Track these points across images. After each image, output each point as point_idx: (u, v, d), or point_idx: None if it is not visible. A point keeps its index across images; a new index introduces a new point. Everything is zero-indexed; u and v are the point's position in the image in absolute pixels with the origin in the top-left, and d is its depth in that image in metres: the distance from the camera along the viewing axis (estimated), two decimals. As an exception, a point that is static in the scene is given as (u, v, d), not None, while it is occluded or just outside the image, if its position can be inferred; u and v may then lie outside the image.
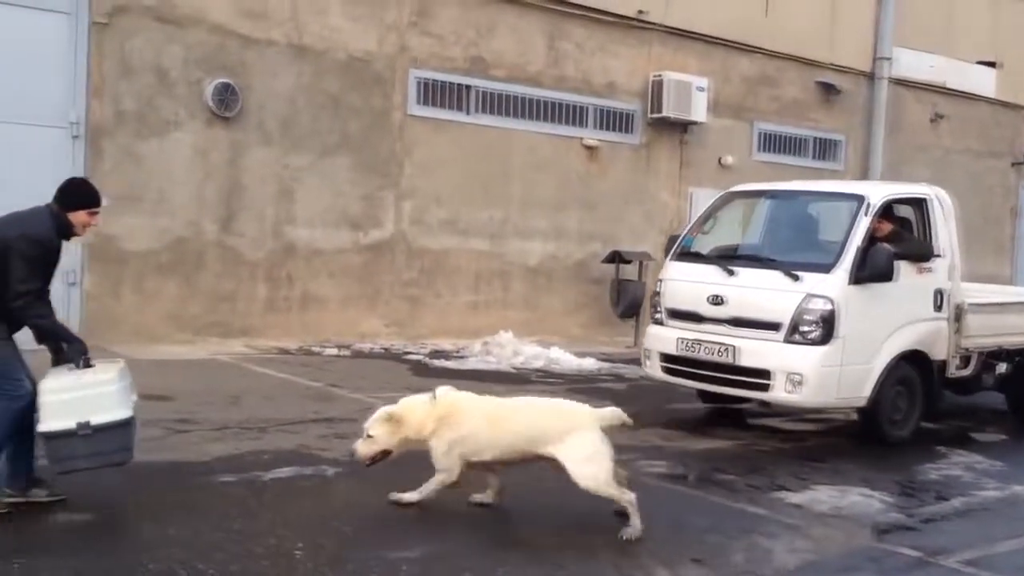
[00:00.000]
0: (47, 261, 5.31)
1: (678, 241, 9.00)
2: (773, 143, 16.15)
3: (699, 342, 8.13)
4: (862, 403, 7.88)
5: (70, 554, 4.72)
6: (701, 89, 14.57)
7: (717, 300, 8.08)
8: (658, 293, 8.75)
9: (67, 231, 5.45)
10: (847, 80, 16.84)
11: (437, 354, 11.85)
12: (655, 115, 14.41)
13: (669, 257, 8.94)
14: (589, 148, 14.07)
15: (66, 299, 10.33)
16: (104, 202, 10.40)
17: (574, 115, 13.95)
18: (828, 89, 16.60)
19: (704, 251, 8.75)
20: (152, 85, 10.74)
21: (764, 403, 8.60)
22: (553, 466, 5.47)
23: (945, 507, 6.51)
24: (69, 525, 5.15)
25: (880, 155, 17.23)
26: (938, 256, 8.34)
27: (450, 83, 12.84)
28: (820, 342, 7.58)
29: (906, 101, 17.80)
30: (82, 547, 4.82)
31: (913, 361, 8.16)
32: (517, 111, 13.43)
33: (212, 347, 10.98)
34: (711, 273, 8.31)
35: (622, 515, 5.41)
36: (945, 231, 8.44)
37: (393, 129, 12.46)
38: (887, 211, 8.26)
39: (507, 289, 13.55)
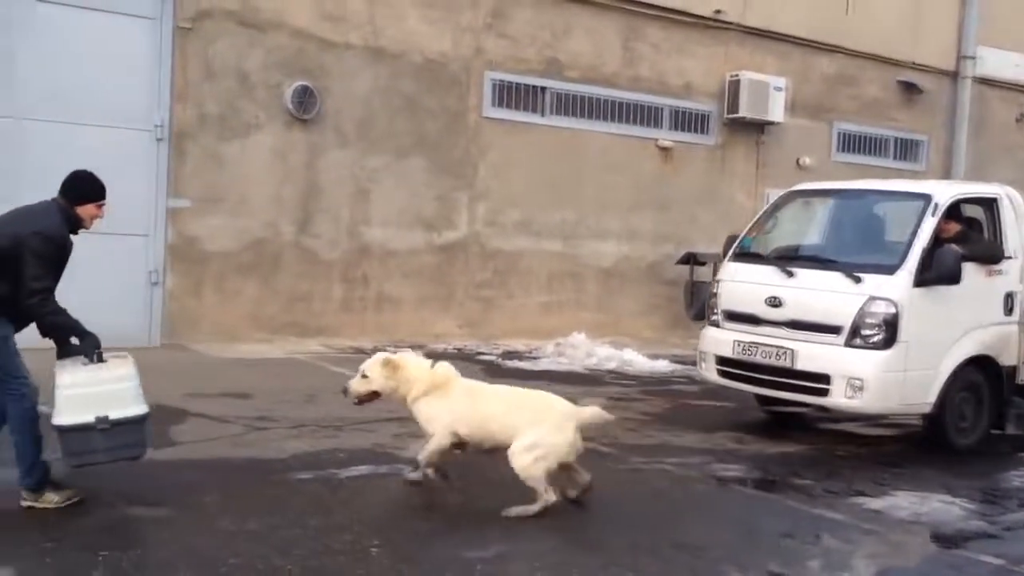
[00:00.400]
0: (60, 257, 5.33)
1: (736, 241, 8.77)
2: (853, 143, 15.88)
3: (756, 345, 7.93)
4: (927, 409, 7.62)
5: (152, 548, 4.85)
6: (779, 89, 14.40)
7: (775, 302, 7.86)
8: (715, 294, 8.56)
9: (76, 225, 5.48)
10: (929, 79, 16.49)
11: (510, 355, 11.89)
12: (731, 115, 14.29)
13: (727, 258, 8.71)
14: (664, 149, 13.99)
15: (149, 298, 10.68)
16: (185, 203, 10.73)
17: (649, 116, 13.90)
18: (910, 88, 16.28)
19: (764, 252, 8.53)
20: (233, 88, 10.97)
21: (823, 409, 8.30)
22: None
23: (1031, 516, 6.34)
24: (149, 519, 5.27)
25: (963, 155, 16.85)
26: (1009, 258, 8.04)
27: (525, 84, 12.89)
28: (882, 346, 7.35)
29: (990, 101, 17.36)
30: (165, 540, 4.94)
31: (981, 367, 7.88)
32: (591, 112, 13.42)
33: (289, 346, 11.17)
34: (769, 274, 8.09)
35: (574, 502, 5.73)
36: (1016, 232, 8.14)
37: (468, 131, 12.54)
38: (955, 211, 8.02)
39: (580, 290, 13.55)
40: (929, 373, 7.52)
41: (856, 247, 8.23)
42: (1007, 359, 8.05)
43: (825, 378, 7.47)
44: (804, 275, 7.87)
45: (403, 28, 11.96)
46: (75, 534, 4.92)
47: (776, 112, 14.45)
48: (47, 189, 9.68)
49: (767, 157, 14.85)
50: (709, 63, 14.24)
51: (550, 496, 5.50)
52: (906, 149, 16.57)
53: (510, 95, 12.80)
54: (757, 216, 9.15)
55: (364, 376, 5.81)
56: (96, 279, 10.11)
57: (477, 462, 5.98)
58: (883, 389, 7.35)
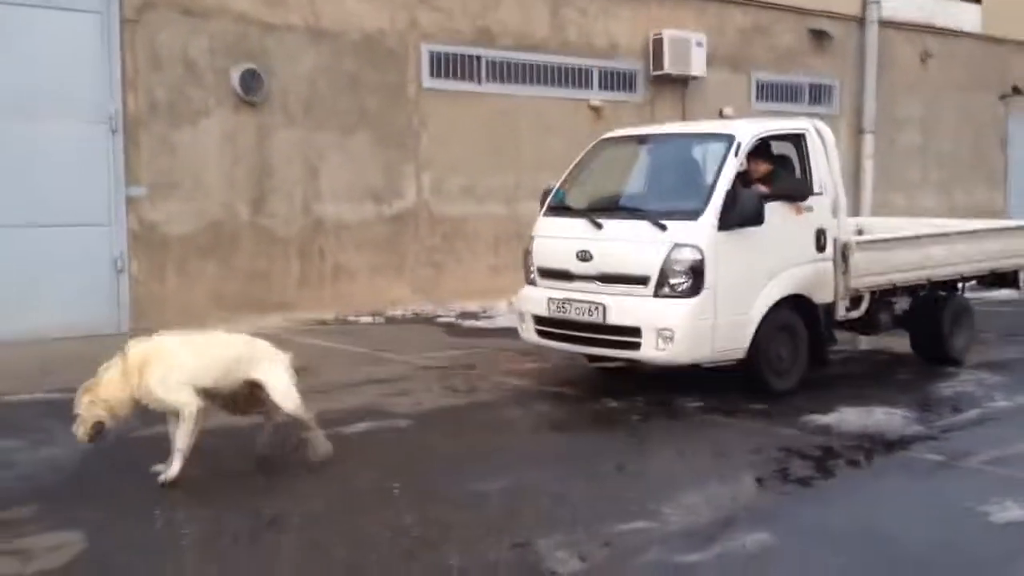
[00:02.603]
0: None
1: (550, 194, 8.45)
2: (770, 92, 16.65)
3: (569, 301, 7.66)
4: (741, 355, 7.40)
5: (192, 509, 5.33)
6: (699, 44, 15.06)
7: (585, 255, 7.59)
8: (529, 251, 8.27)
9: None
10: (838, 26, 17.32)
11: (466, 315, 12.46)
12: (656, 72, 14.91)
13: (541, 212, 8.42)
14: (595, 108, 14.56)
15: (115, 286, 10.94)
16: (142, 191, 11.00)
17: (579, 78, 14.45)
18: (820, 36, 17.09)
19: (579, 204, 8.21)
20: (181, 76, 11.21)
21: (634, 362, 7.91)
22: (256, 396, 5.87)
23: (961, 418, 7.15)
24: (183, 483, 5.72)
25: (873, 97, 17.73)
26: (818, 194, 7.85)
27: (460, 55, 13.33)
28: (689, 294, 7.13)
29: (895, 43, 18.28)
30: (202, 500, 5.42)
31: (796, 306, 7.73)
32: (525, 78, 13.91)
33: (253, 322, 11.44)
34: (579, 227, 7.79)
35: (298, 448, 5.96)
36: (826, 167, 7.97)
37: (409, 103, 12.96)
38: (764, 150, 7.85)
39: (525, 250, 14.08)
40: (740, 318, 7.33)
41: (663, 194, 7.95)
42: (822, 296, 7.90)
43: (636, 331, 7.25)
44: (612, 226, 7.61)
45: (341, 7, 12.30)
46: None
47: (698, 67, 15.10)
48: (6, 185, 10.04)
49: (692, 110, 15.52)
50: (633, 24, 14.82)
51: (310, 413, 5.98)
52: (820, 94, 17.41)
53: (447, 66, 13.22)
54: (570, 167, 8.69)
55: (79, 415, 5.42)
56: (62, 270, 10.46)
57: (469, 411, 6.56)
58: (693, 338, 7.14)
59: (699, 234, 7.19)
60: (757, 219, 7.28)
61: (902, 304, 8.98)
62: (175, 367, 5.48)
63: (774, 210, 7.47)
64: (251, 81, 11.57)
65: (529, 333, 8.20)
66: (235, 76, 11.48)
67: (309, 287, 12.34)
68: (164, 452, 5.62)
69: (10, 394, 7.85)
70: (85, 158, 10.59)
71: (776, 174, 7.86)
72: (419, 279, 13.22)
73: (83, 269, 10.62)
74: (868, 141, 17.73)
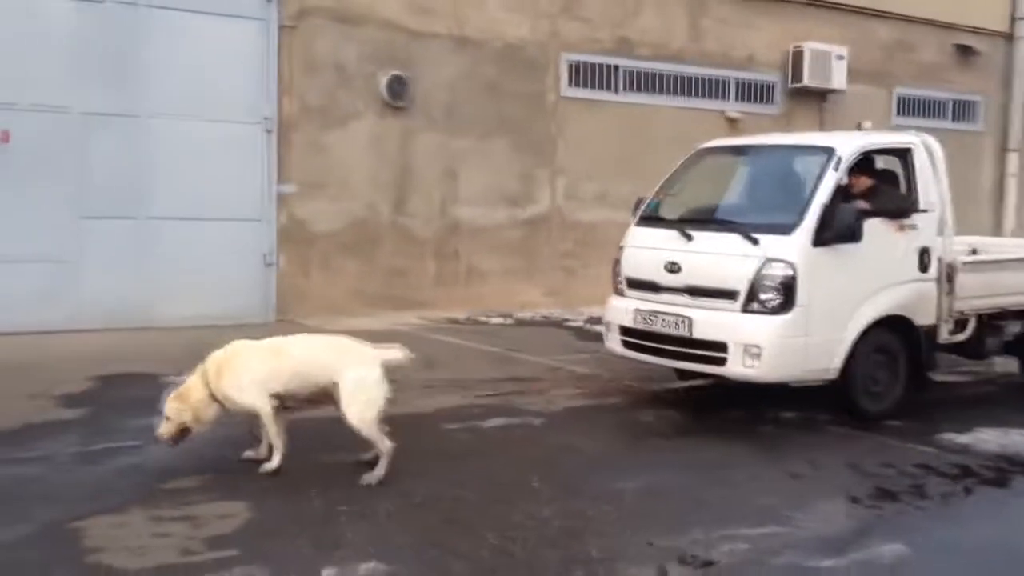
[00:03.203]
0: None
1: (643, 204, 8.27)
2: (912, 107, 16.38)
3: (656, 313, 7.49)
4: (832, 375, 7.13)
5: (347, 485, 5.66)
6: (840, 57, 14.94)
7: (673, 267, 7.43)
8: (618, 261, 8.11)
9: None
10: (984, 42, 16.91)
11: (594, 320, 12.61)
12: (795, 85, 14.85)
13: (634, 222, 8.23)
14: (731, 120, 14.59)
15: (263, 278, 11.53)
16: (293, 189, 11.57)
17: (716, 88, 14.51)
18: (965, 51, 16.71)
19: (670, 214, 8.03)
20: (333, 80, 11.76)
21: (722, 379, 7.60)
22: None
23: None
24: (336, 466, 6.08)
25: (1020, 114, 17.26)
26: (923, 211, 7.56)
27: (598, 64, 13.55)
28: (780, 311, 6.91)
29: (1045, 59, 17.71)
30: (352, 482, 5.75)
31: (894, 328, 7.44)
32: (661, 87, 14.06)
33: (390, 319, 11.94)
34: (669, 238, 7.63)
35: (368, 464, 5.71)
36: (934, 183, 7.67)
37: (547, 110, 13.25)
38: (866, 164, 7.61)
39: (655, 258, 14.20)
40: (833, 338, 7.08)
41: (758, 207, 7.76)
42: (923, 318, 7.58)
43: (722, 346, 7.04)
44: (702, 238, 7.45)
45: (484, 16, 12.67)
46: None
47: (838, 80, 14.99)
48: (172, 182, 10.71)
49: (830, 124, 15.37)
50: (772, 35, 14.80)
51: (388, 443, 5.64)
52: (963, 110, 17.02)
53: (585, 74, 13.48)
54: (665, 177, 8.54)
55: (166, 417, 5.67)
56: (216, 262, 11.08)
57: (599, 413, 6.74)
58: (781, 356, 6.92)
59: (792, 249, 6.97)
60: (854, 235, 7.05)
61: (1013, 328, 8.45)
62: (252, 370, 5.68)
63: (874, 227, 7.22)
64: (397, 86, 12.04)
65: (615, 344, 8.03)
66: (383, 81, 11.97)
67: (444, 286, 12.73)
68: (311, 437, 5.99)
69: (174, 375, 8.38)
70: (241, 156, 11.22)
71: (879, 190, 7.60)
72: (550, 283, 13.48)
73: (236, 261, 11.24)
74: (1013, 159, 17.26)
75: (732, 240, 7.20)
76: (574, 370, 9.31)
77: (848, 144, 7.50)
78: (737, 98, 14.71)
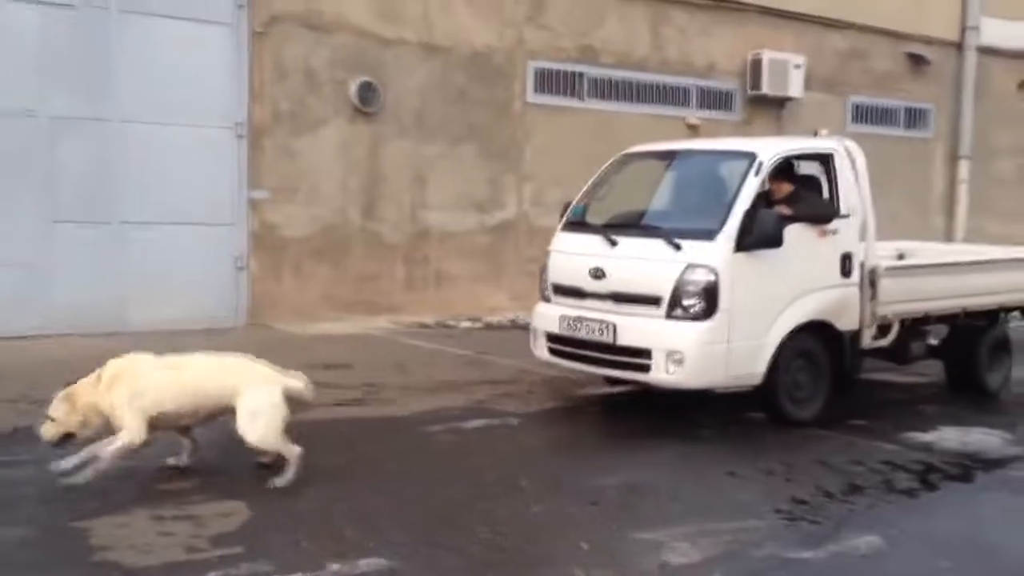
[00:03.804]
0: None
1: (569, 209, 8.27)
2: (865, 115, 16.80)
3: (581, 320, 7.47)
4: (756, 381, 7.15)
5: (340, 489, 5.80)
6: (797, 66, 15.29)
7: (598, 273, 7.39)
8: (544, 267, 8.15)
9: None
10: (935, 51, 17.38)
11: (562, 324, 12.84)
12: (753, 92, 15.19)
13: (559, 227, 8.23)
14: (692, 126, 14.87)
15: (235, 282, 11.59)
16: (264, 194, 11.63)
17: (677, 96, 14.79)
18: (917, 60, 17.17)
19: (596, 220, 8.00)
20: (303, 86, 11.84)
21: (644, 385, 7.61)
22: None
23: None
24: (329, 468, 6.21)
25: (969, 122, 17.76)
26: (845, 217, 7.56)
27: (564, 71, 13.78)
28: (702, 316, 6.89)
29: (993, 69, 18.25)
30: (349, 484, 5.89)
31: (818, 333, 7.46)
32: (625, 95, 14.31)
33: (361, 323, 12.06)
34: (594, 244, 7.58)
35: (265, 466, 5.70)
36: (855, 189, 7.67)
37: (514, 117, 13.45)
38: (787, 170, 7.59)
39: (619, 262, 14.45)
40: (756, 343, 7.08)
41: (681, 212, 7.76)
42: (846, 323, 7.61)
43: (646, 353, 7.03)
44: (627, 244, 7.41)
45: (452, 23, 12.83)
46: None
47: (795, 88, 15.34)
48: (143, 186, 10.74)
49: (788, 131, 15.72)
50: (731, 43, 15.13)
51: (294, 448, 5.61)
52: (915, 118, 17.48)
53: (551, 82, 13.69)
54: (589, 182, 8.51)
55: (50, 419, 5.48)
56: (187, 266, 11.13)
57: (575, 414, 6.94)
58: (704, 362, 6.91)
59: (714, 255, 6.94)
60: (776, 241, 7.00)
61: (938, 333, 8.61)
62: (145, 391, 5.46)
63: (796, 232, 7.19)
64: (367, 93, 12.15)
65: (541, 351, 8.01)
66: (352, 88, 12.08)
67: (413, 291, 12.87)
68: (319, 439, 6.12)
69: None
70: (213, 161, 11.27)
71: (800, 195, 7.56)
72: (517, 288, 13.63)
73: (207, 266, 11.29)
74: (963, 167, 17.76)
75: (656, 246, 7.19)
76: (545, 372, 9.48)
77: (769, 149, 7.47)
78: (698, 105, 15.01)
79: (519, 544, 4.92)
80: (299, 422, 6.29)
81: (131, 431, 5.41)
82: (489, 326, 12.72)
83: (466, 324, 12.64)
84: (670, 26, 14.61)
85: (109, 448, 5.39)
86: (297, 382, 5.74)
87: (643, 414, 7.95)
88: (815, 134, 16.03)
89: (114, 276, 10.63)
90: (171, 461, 5.86)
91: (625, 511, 5.48)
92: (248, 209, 11.57)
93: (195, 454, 5.89)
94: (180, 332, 10.44)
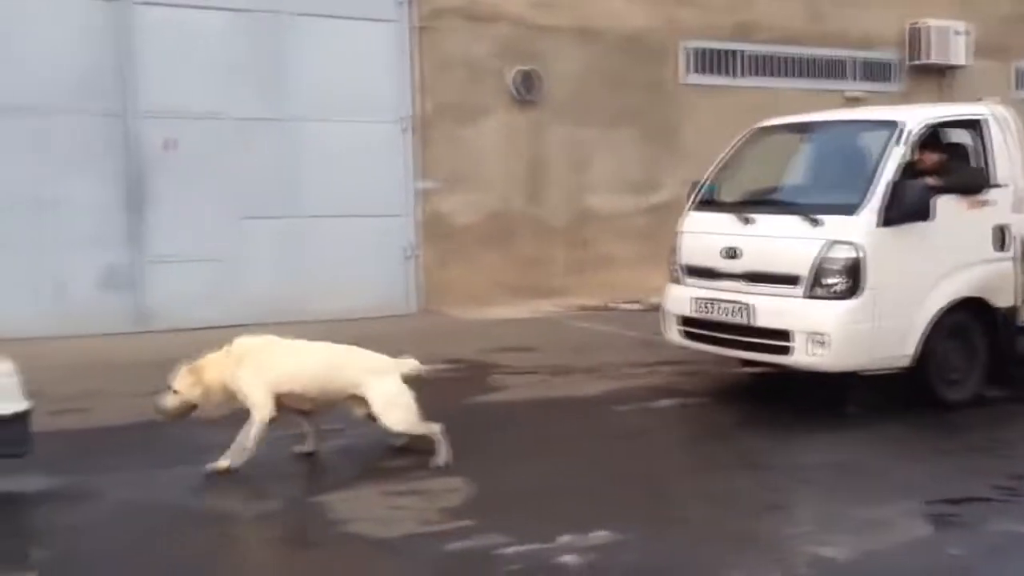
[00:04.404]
0: None
1: (699, 188, 8.05)
2: (1034, 80, 16.16)
3: (714, 301, 7.24)
4: (906, 363, 6.78)
5: (547, 466, 5.99)
6: (959, 33, 14.81)
7: (732, 253, 7.15)
8: (674, 248, 7.89)
9: None
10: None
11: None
12: (914, 62, 14.79)
13: (688, 206, 8.03)
14: (850, 100, 14.56)
15: (405, 271, 11.98)
16: (432, 184, 11.96)
17: (835, 69, 14.55)
18: (1089, 20, 16.38)
19: (729, 198, 7.77)
20: (465, 77, 12.14)
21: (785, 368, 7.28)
22: (361, 410, 5.80)
23: None
24: (531, 444, 6.41)
25: None
26: (998, 186, 7.12)
27: (718, 50, 13.70)
28: (846, 295, 6.59)
29: None
30: (554, 456, 6.08)
31: (972, 310, 7.05)
32: (781, 70, 14.14)
33: (528, 307, 12.27)
34: (727, 223, 7.35)
35: (401, 450, 5.87)
36: (1006, 157, 7.21)
37: (669, 98, 13.45)
38: (934, 138, 7.19)
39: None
40: (904, 322, 6.74)
41: (820, 186, 7.48)
42: (1002, 300, 7.15)
43: (786, 334, 6.75)
44: (762, 221, 7.14)
45: (607, 6, 12.91)
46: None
47: (958, 55, 14.87)
48: (319, 181, 11.18)
49: (950, 100, 15.25)
50: (890, 13, 14.75)
51: (434, 426, 5.73)
52: (1088, 81, 16.69)
53: (705, 61, 13.64)
54: (720, 158, 8.27)
55: (173, 391, 5.58)
56: (361, 257, 11.55)
57: (760, 391, 6.95)
58: (849, 343, 6.62)
59: (857, 230, 6.62)
60: (924, 214, 6.67)
61: None
62: (271, 367, 5.59)
63: (945, 204, 6.82)
64: (527, 81, 12.35)
65: (673, 334, 7.80)
66: (512, 77, 12.30)
67: (575, 274, 13.03)
68: (491, 418, 6.35)
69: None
70: (382, 154, 11.67)
71: (949, 165, 7.16)
72: (676, 268, 13.66)
73: (379, 256, 11.71)
74: None
75: (793, 222, 6.91)
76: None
77: (914, 117, 7.11)
78: (857, 77, 14.72)
79: (742, 520, 4.98)
80: (505, 403, 6.55)
81: (259, 407, 5.53)
82: (652, 308, 12.74)
83: (627, 306, 12.73)
84: (826, -2, 14.36)
85: (249, 433, 5.53)
86: (410, 363, 5.85)
87: (827, 391, 7.89)
88: (979, 101, 15.53)
89: (296, 269, 11.14)
90: (296, 449, 5.95)
91: (840, 489, 5.48)
92: (416, 199, 11.92)
93: (319, 442, 5.95)
94: (357, 320, 10.89)
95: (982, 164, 7.24)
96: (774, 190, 7.84)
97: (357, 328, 10.39)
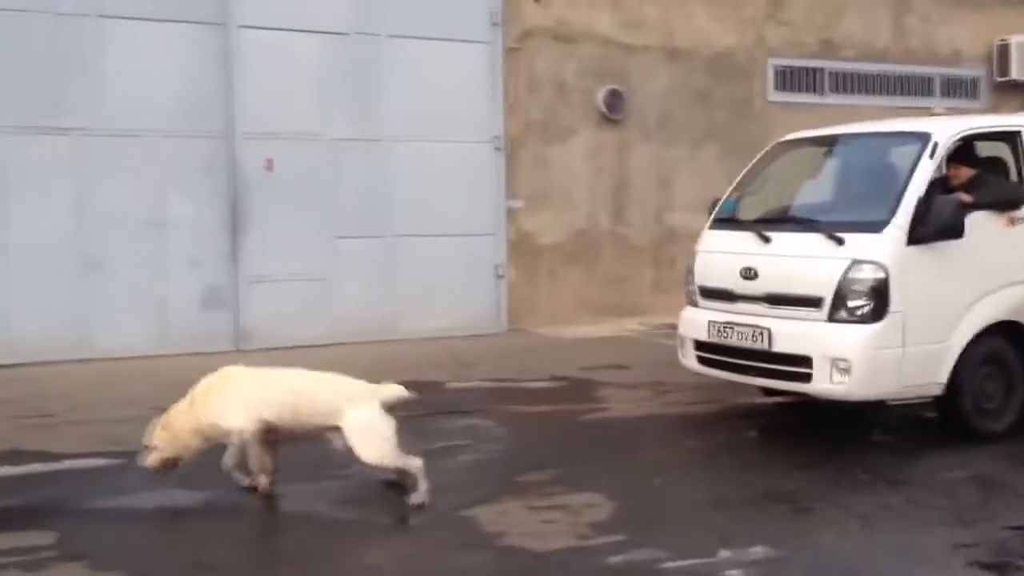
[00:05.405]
0: None
1: (718, 205, 7.67)
2: (1122, 95, 15.85)
3: (731, 325, 6.82)
4: (937, 391, 6.37)
5: (680, 481, 5.96)
6: (1046, 49, 14.62)
7: (750, 273, 6.72)
8: (690, 268, 7.55)
9: None
10: None
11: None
12: (1001, 79, 14.61)
13: (707, 224, 7.66)
14: (936, 116, 14.42)
15: (495, 290, 12.01)
16: (520, 203, 11.99)
17: (920, 86, 14.41)
18: None
19: (748, 215, 7.42)
20: (553, 97, 12.20)
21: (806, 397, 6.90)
22: (340, 442, 5.37)
23: None
24: (653, 460, 6.40)
25: None
26: None
27: (804, 67, 13.65)
28: (871, 319, 6.15)
29: None
30: (683, 474, 6.06)
31: (1008, 335, 6.60)
32: (866, 87, 14.05)
33: (612, 326, 12.26)
34: (745, 241, 6.95)
35: (394, 485, 5.47)
36: None
37: (754, 116, 13.40)
38: (967, 151, 6.82)
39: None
40: (935, 348, 6.30)
41: (844, 203, 7.12)
42: None
43: (806, 360, 6.32)
44: (781, 240, 6.74)
45: (693, 27, 12.92)
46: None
47: (1045, 72, 14.68)
48: (412, 201, 11.27)
49: (1037, 116, 15.06)
50: (976, 29, 14.61)
51: (415, 461, 5.35)
52: None
53: (791, 79, 13.60)
54: (742, 174, 7.89)
55: (154, 447, 5.36)
56: (452, 276, 11.61)
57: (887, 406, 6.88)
58: (874, 370, 6.17)
59: (883, 249, 6.21)
60: (956, 231, 6.21)
61: None
62: (244, 393, 5.35)
63: (979, 221, 6.39)
64: (614, 100, 12.39)
65: (689, 359, 7.35)
66: (600, 96, 12.33)
67: (661, 293, 12.95)
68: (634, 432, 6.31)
69: (454, 381, 8.92)
70: (474, 174, 11.74)
71: (983, 179, 6.76)
72: (761, 287, 13.58)
73: (469, 275, 11.76)
74: None
75: (815, 241, 6.49)
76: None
77: (945, 129, 6.65)
78: (941, 94, 14.57)
79: (894, 536, 4.91)
80: (620, 419, 6.51)
81: (237, 421, 5.29)
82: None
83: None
84: (912, 14, 14.25)
85: (229, 451, 5.42)
86: (390, 389, 5.49)
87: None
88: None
89: (389, 287, 11.23)
90: (240, 480, 5.59)
91: (991, 504, 5.41)
92: (506, 218, 11.97)
93: (276, 474, 5.56)
94: (449, 339, 10.94)
95: (1020, 178, 6.88)
96: (796, 207, 7.46)
97: (449, 346, 10.52)
